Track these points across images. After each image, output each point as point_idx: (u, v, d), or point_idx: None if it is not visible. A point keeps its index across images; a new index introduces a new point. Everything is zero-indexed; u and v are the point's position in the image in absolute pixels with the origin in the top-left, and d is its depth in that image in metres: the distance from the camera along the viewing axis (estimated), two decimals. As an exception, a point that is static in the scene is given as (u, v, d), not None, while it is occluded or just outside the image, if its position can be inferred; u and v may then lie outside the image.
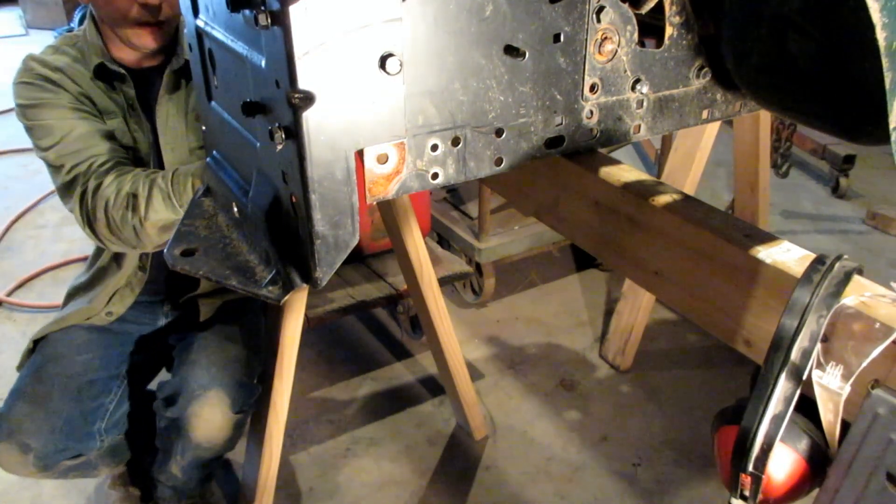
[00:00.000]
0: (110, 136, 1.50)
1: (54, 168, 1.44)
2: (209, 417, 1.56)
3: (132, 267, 1.68)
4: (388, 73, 0.72)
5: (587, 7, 0.83)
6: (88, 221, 1.39)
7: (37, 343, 1.67)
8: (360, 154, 0.75)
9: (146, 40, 1.46)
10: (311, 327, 2.33)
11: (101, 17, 1.50)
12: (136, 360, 1.74)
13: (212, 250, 0.97)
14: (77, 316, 1.67)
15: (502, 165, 0.86)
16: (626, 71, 0.90)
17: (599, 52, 0.86)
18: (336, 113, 0.71)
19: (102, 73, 1.52)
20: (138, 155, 1.56)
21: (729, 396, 2.42)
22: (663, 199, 0.90)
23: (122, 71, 1.52)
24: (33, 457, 1.50)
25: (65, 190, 1.43)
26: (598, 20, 0.84)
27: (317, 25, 0.67)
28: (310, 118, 0.69)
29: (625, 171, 0.97)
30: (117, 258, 1.69)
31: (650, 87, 0.93)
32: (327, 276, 0.78)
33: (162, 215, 1.33)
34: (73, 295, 1.77)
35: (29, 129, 1.46)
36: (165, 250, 0.99)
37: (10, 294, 2.99)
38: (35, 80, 1.47)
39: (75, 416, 1.56)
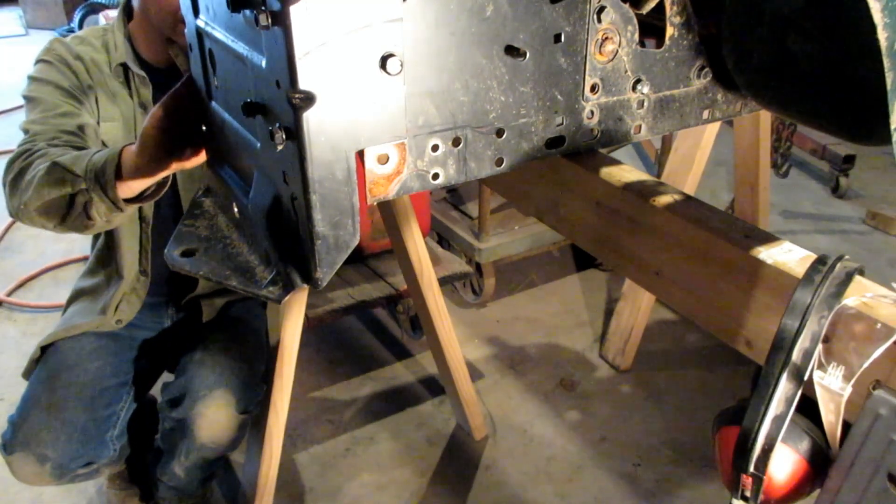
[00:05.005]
0: (92, 135, 1.49)
1: (24, 135, 1.40)
2: (215, 418, 1.56)
3: (133, 273, 1.68)
4: (388, 74, 0.72)
5: (588, 7, 0.83)
6: (7, 168, 1.32)
7: (44, 350, 1.66)
8: (360, 154, 0.75)
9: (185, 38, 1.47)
10: (311, 327, 2.33)
11: (148, 15, 1.50)
12: (142, 365, 1.74)
13: (212, 251, 0.97)
14: (86, 326, 1.67)
15: (503, 166, 0.86)
16: (626, 71, 0.90)
17: (600, 53, 0.86)
18: (337, 113, 0.71)
19: (123, 73, 1.54)
20: None
21: (729, 397, 2.42)
22: (664, 199, 0.90)
23: (143, 73, 1.53)
24: (50, 467, 1.50)
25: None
26: (599, 20, 0.84)
27: (317, 25, 0.67)
28: (310, 118, 0.69)
29: (625, 171, 0.97)
30: (118, 267, 1.69)
31: (651, 87, 0.93)
32: (328, 277, 0.78)
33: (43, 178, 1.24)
34: (76, 298, 1.76)
35: (26, 99, 1.47)
36: (166, 251, 0.99)
37: (10, 294, 2.99)
38: (53, 59, 1.49)
39: (90, 425, 1.56)
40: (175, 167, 1.13)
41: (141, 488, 1.94)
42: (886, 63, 0.62)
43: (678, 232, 0.87)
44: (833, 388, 0.67)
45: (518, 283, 3.12)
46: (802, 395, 0.67)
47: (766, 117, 2.28)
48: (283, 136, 0.72)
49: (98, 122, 1.52)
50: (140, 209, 1.61)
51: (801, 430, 0.70)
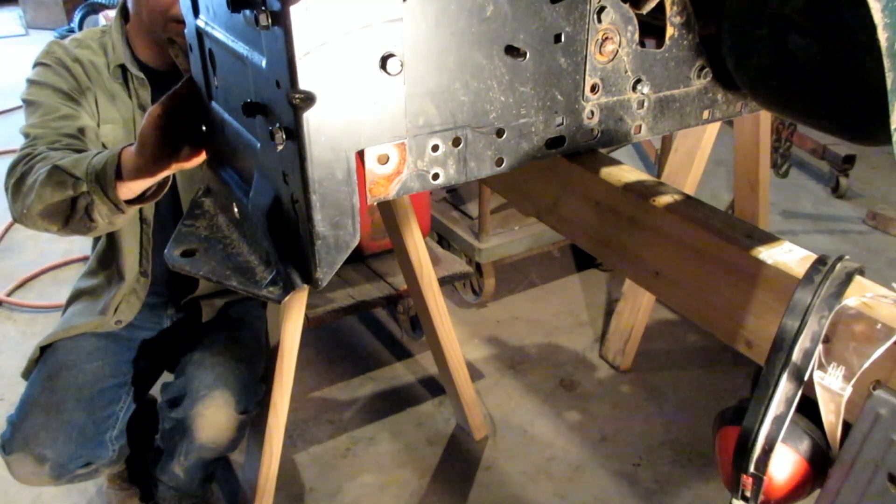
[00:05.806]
0: (92, 138, 1.49)
1: (24, 139, 1.40)
2: (214, 418, 1.55)
3: (134, 274, 1.68)
4: (388, 74, 0.72)
5: (588, 7, 0.83)
6: (9, 173, 1.32)
7: (43, 350, 1.66)
8: (360, 154, 0.75)
9: (182, 39, 1.47)
10: (311, 327, 2.33)
11: (140, 16, 1.51)
12: (141, 365, 1.74)
13: (212, 251, 0.97)
14: (86, 327, 1.67)
15: (503, 166, 0.86)
16: (626, 71, 0.90)
17: (600, 53, 0.86)
18: (337, 113, 0.71)
19: (121, 75, 1.54)
20: None
21: (729, 396, 2.42)
22: (664, 199, 0.90)
23: (142, 75, 1.53)
24: (49, 467, 1.50)
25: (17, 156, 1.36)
26: (599, 20, 0.84)
27: (318, 25, 0.67)
28: (310, 118, 0.69)
29: (625, 171, 0.97)
30: (118, 268, 1.69)
31: (651, 87, 0.93)
32: (328, 277, 0.78)
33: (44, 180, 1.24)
34: (76, 298, 1.76)
35: (25, 103, 1.47)
36: (166, 251, 0.98)
37: (10, 294, 2.99)
38: (52, 62, 1.50)
39: (88, 426, 1.56)
40: (175, 167, 1.13)
41: (141, 488, 1.94)
42: (886, 63, 0.62)
43: (678, 232, 0.87)
44: (833, 388, 0.67)
45: (518, 283, 3.12)
46: (802, 396, 0.67)
47: (766, 117, 2.28)
48: (283, 136, 0.72)
49: (98, 125, 1.52)
50: (140, 210, 1.61)
51: (801, 430, 0.70)
